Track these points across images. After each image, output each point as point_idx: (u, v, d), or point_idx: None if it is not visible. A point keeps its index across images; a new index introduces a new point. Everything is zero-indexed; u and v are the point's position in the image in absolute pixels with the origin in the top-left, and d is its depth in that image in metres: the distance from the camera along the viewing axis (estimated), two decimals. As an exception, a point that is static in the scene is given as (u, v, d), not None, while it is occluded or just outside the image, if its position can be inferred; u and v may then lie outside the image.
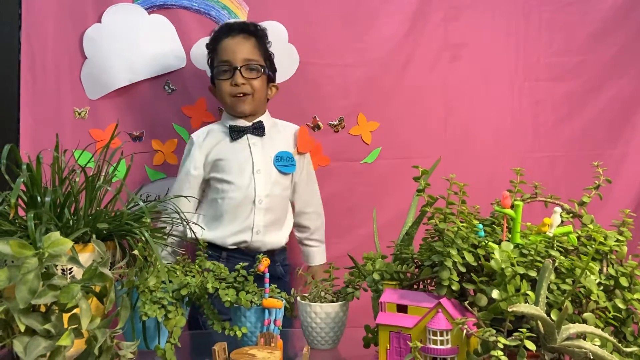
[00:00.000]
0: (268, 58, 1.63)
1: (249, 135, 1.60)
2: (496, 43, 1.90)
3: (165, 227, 1.10)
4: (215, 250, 1.56)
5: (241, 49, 1.56)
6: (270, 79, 1.65)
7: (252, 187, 1.56)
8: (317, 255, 1.72)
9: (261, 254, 1.13)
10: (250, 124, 1.60)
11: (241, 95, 1.56)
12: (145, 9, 1.79)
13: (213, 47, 1.62)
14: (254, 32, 1.61)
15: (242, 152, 1.59)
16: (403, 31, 1.87)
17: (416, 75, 1.87)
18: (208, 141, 1.60)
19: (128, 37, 1.77)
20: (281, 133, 1.66)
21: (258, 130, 1.60)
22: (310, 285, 1.18)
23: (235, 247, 1.57)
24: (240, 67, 1.55)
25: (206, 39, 1.74)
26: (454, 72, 1.88)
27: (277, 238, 1.62)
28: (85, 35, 1.76)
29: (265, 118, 1.64)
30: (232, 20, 1.72)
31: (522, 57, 1.90)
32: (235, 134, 1.59)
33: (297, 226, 1.71)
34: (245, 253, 1.57)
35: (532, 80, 1.91)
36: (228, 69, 1.56)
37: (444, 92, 1.89)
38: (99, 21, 1.77)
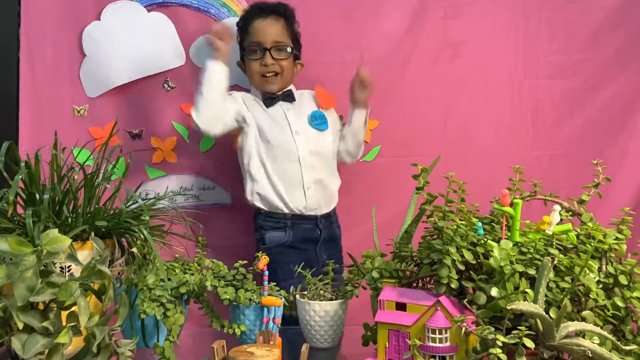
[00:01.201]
0: (295, 38, 1.71)
1: (280, 102, 1.68)
2: (496, 41, 1.89)
3: (164, 225, 1.10)
4: (277, 219, 1.63)
5: (271, 31, 1.64)
6: (296, 57, 1.72)
7: (295, 147, 1.64)
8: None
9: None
10: (280, 92, 1.69)
11: (270, 74, 1.65)
12: (145, 7, 1.78)
13: (244, 27, 1.68)
14: (284, 13, 1.68)
15: (278, 116, 1.66)
16: (403, 29, 1.87)
17: (416, 73, 1.87)
18: (246, 99, 1.67)
19: (127, 34, 1.77)
20: (306, 98, 1.74)
21: (289, 97, 1.69)
22: None
23: (297, 210, 1.63)
24: (270, 48, 1.63)
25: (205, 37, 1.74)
26: (453, 70, 1.88)
27: (330, 196, 1.70)
28: (84, 33, 1.76)
29: (292, 87, 1.73)
30: (261, 2, 1.73)
31: (522, 55, 1.90)
32: (269, 101, 1.67)
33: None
34: (306, 217, 1.64)
35: (532, 78, 1.91)
36: (258, 49, 1.64)
37: (444, 90, 1.89)
38: (99, 19, 1.76)
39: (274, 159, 1.63)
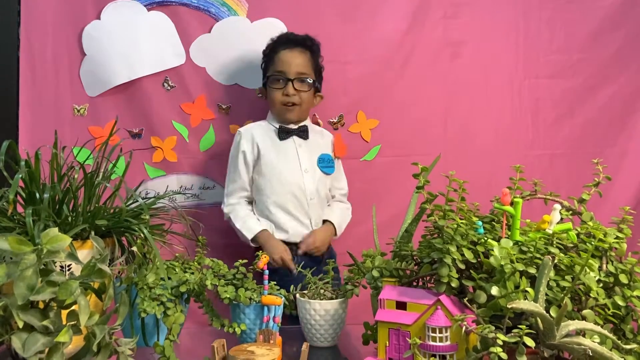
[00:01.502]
0: (318, 71, 1.74)
1: (294, 137, 1.70)
2: (496, 41, 1.90)
3: (164, 224, 1.10)
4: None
5: (296, 63, 1.67)
6: (317, 89, 1.74)
7: (303, 184, 1.66)
8: (336, 212, 1.75)
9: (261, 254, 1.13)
10: (296, 127, 1.71)
11: (290, 104, 1.67)
12: (145, 6, 1.78)
13: (269, 55, 1.71)
14: (310, 47, 1.71)
15: (290, 152, 1.68)
16: (403, 29, 1.87)
17: (416, 72, 1.87)
18: (257, 134, 1.68)
19: (127, 34, 1.77)
20: (320, 137, 1.76)
21: (303, 133, 1.71)
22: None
23: (298, 240, 1.65)
24: (293, 79, 1.65)
25: (205, 36, 1.74)
26: (454, 70, 1.89)
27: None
28: (84, 32, 1.76)
29: (308, 123, 1.75)
30: (289, 32, 1.77)
31: (522, 55, 1.90)
32: (284, 134, 1.69)
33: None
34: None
35: (532, 77, 1.91)
36: (281, 79, 1.66)
37: (444, 90, 1.89)
38: (99, 18, 1.76)
39: (283, 196, 1.65)
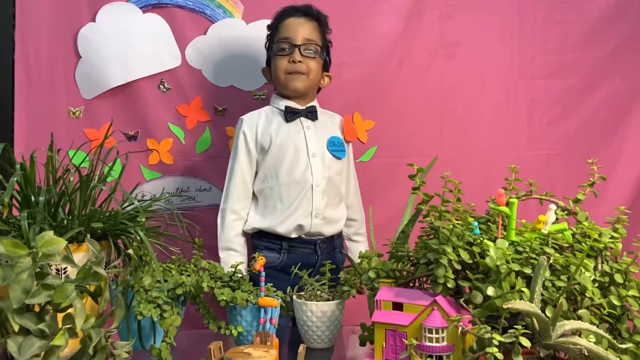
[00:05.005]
0: (326, 45, 1.64)
1: (302, 118, 1.58)
2: (491, 41, 1.90)
3: (160, 227, 1.10)
4: (273, 240, 1.53)
5: (303, 29, 1.56)
6: (326, 67, 1.64)
7: (309, 171, 1.53)
8: (364, 249, 1.66)
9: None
10: (303, 107, 1.58)
11: (297, 73, 1.55)
12: (140, 8, 1.78)
13: (275, 26, 1.61)
14: (317, 17, 1.61)
15: (297, 135, 1.56)
16: (398, 30, 1.87)
17: (412, 73, 1.87)
18: (260, 121, 1.57)
19: (123, 36, 1.77)
20: (330, 120, 1.65)
21: (312, 114, 1.59)
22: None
23: (296, 235, 1.52)
24: (300, 45, 1.55)
25: (201, 38, 1.74)
26: (449, 71, 1.89)
27: (336, 221, 1.59)
28: (79, 35, 1.76)
29: (317, 104, 1.63)
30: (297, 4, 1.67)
31: (517, 56, 1.91)
32: (290, 115, 1.56)
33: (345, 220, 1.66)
34: (305, 241, 1.53)
35: (527, 78, 1.91)
36: (288, 46, 1.55)
37: (440, 91, 1.89)
38: (94, 20, 1.76)
39: (284, 183, 1.51)
